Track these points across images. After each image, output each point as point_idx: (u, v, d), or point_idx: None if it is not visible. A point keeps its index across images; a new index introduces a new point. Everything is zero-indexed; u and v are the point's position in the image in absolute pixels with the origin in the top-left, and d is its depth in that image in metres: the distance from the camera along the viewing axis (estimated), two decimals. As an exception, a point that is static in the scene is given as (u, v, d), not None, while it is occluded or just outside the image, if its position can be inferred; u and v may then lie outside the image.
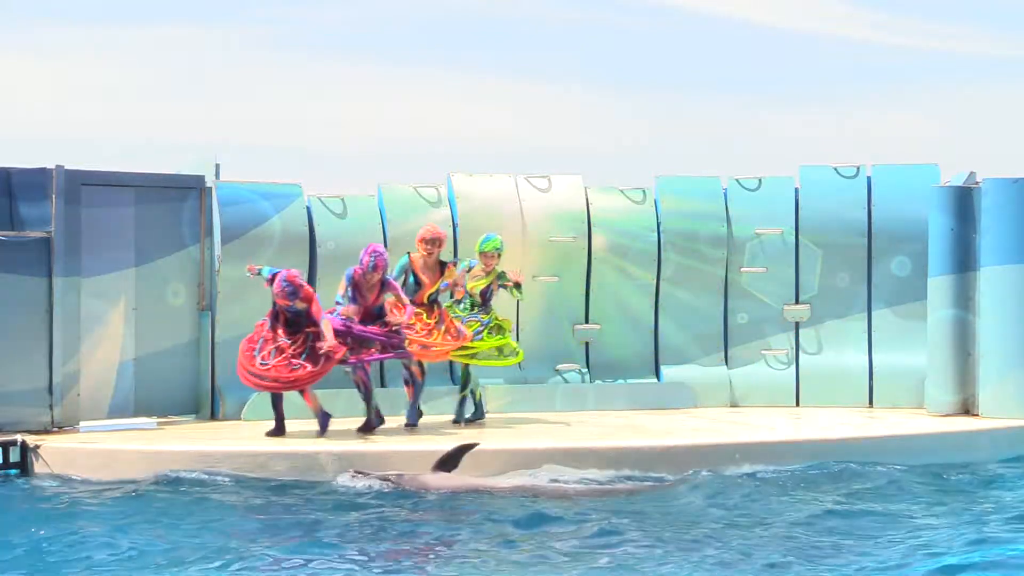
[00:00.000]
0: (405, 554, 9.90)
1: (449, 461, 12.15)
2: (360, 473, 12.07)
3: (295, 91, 29.29)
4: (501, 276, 14.10)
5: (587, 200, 15.63)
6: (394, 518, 10.97)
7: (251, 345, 13.16)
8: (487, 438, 13.13)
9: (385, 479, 11.97)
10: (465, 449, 12.22)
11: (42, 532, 10.50)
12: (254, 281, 14.05)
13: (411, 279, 13.79)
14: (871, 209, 15.65)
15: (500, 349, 14.07)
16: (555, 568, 9.54)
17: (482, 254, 14.09)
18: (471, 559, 9.73)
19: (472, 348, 13.90)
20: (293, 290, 13.07)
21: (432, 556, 9.89)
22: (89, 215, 13.73)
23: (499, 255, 14.10)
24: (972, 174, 15.05)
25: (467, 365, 14.09)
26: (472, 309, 14.07)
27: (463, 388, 14.20)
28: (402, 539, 10.34)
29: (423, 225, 14.12)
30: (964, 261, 14.75)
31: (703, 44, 30.56)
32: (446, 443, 12.86)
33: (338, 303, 13.44)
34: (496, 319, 14.10)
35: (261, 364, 13.08)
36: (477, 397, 14.24)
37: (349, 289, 13.40)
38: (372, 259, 13.32)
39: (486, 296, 14.12)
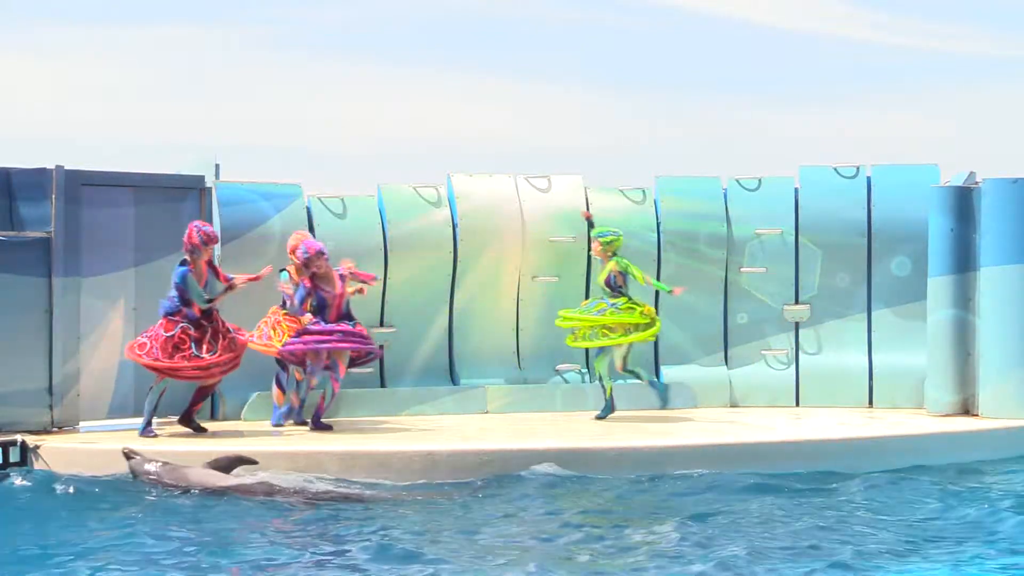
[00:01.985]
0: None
1: (223, 466, 11.96)
2: (132, 454, 11.93)
3: (295, 91, 29.32)
4: (619, 263, 14.42)
5: (587, 200, 15.62)
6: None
7: (183, 351, 13.09)
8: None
9: (150, 471, 11.79)
10: (241, 461, 12.02)
11: (41, 532, 10.52)
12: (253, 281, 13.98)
13: (317, 295, 13.76)
14: (871, 209, 15.64)
15: (635, 326, 14.35)
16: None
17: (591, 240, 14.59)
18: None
19: (595, 322, 14.29)
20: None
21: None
22: (89, 215, 13.73)
23: (604, 243, 14.43)
24: (972, 174, 15.05)
25: (626, 368, 14.46)
26: (607, 301, 14.42)
27: (640, 377, 14.57)
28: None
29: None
30: (964, 261, 14.75)
31: (703, 44, 30.59)
32: (438, 443, 12.88)
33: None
34: (628, 303, 14.36)
35: (209, 354, 13.07)
36: (608, 393, 14.56)
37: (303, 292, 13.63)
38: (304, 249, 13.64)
39: (611, 285, 14.40)
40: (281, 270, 13.98)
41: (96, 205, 13.81)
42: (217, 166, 14.63)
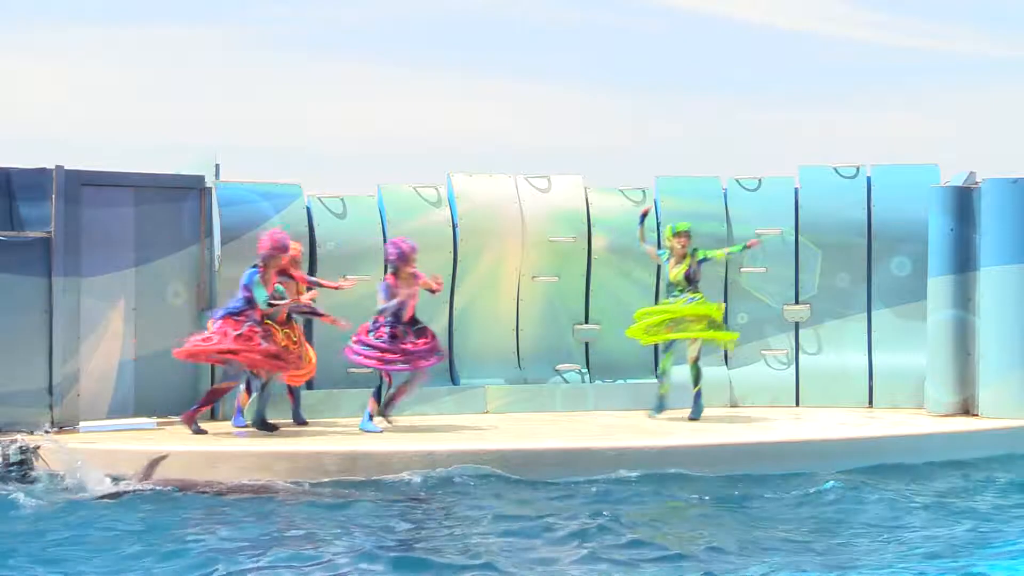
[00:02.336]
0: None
1: (148, 472, 12.13)
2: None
3: (295, 91, 29.30)
4: (695, 253, 14.48)
5: (587, 200, 15.63)
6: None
7: (252, 342, 13.16)
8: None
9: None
10: (158, 459, 12.19)
11: (41, 532, 10.53)
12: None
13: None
14: (871, 209, 15.64)
15: (713, 322, 14.37)
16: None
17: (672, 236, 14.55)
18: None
19: (672, 313, 14.30)
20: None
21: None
22: (89, 215, 13.73)
23: (690, 236, 14.46)
24: (972, 174, 15.05)
25: (696, 361, 14.44)
26: (680, 294, 14.43)
27: (696, 383, 14.50)
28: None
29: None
30: (964, 261, 14.75)
31: (703, 44, 30.58)
32: (438, 443, 12.87)
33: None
34: (704, 300, 14.40)
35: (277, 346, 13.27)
36: (664, 389, 14.61)
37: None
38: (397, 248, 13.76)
39: (692, 278, 14.44)
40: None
41: (96, 205, 13.81)
42: (217, 166, 14.63)
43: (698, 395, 14.53)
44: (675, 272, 14.51)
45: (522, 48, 30.65)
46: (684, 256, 14.50)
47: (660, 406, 14.64)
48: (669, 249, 14.62)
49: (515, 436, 13.47)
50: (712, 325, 14.37)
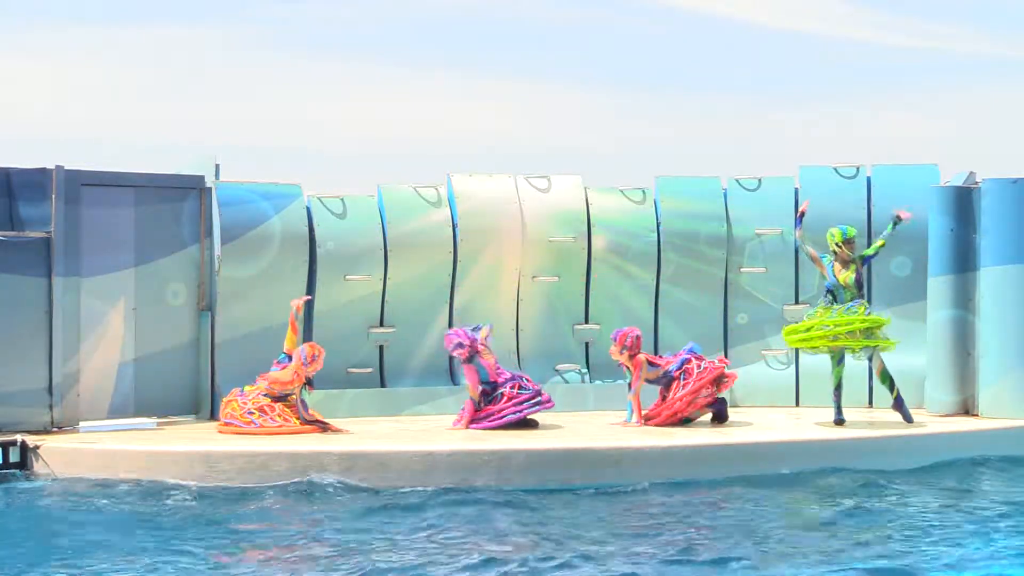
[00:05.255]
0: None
1: None
2: None
3: (295, 91, 29.29)
4: (860, 258, 14.23)
5: (587, 200, 15.63)
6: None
7: None
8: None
9: None
10: None
11: (42, 533, 10.54)
12: (254, 281, 14.08)
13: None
14: (871, 209, 15.64)
15: (870, 332, 13.98)
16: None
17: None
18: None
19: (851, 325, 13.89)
20: None
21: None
22: (89, 215, 13.74)
23: (845, 242, 14.14)
24: (972, 174, 15.06)
25: (883, 367, 14.10)
26: (850, 301, 14.08)
27: (891, 388, 14.18)
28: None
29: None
30: (964, 261, 14.75)
31: (703, 44, 30.57)
32: (438, 443, 12.87)
33: None
34: (866, 308, 14.07)
35: None
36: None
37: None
38: None
39: (861, 283, 14.20)
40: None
41: (96, 205, 13.81)
42: (217, 166, 14.64)
43: (900, 400, 14.19)
44: (844, 276, 14.12)
45: (522, 48, 30.65)
46: (850, 260, 14.16)
47: (840, 417, 14.23)
48: (833, 253, 14.20)
49: (515, 437, 13.46)
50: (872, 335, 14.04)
